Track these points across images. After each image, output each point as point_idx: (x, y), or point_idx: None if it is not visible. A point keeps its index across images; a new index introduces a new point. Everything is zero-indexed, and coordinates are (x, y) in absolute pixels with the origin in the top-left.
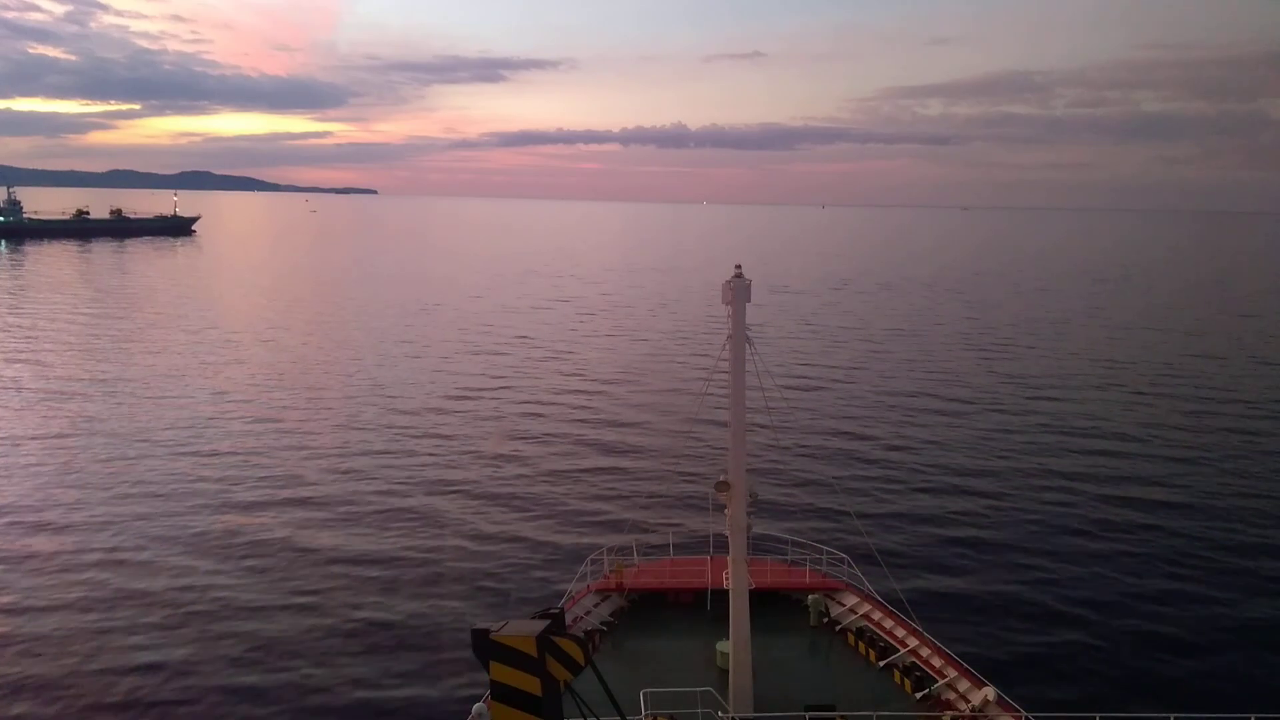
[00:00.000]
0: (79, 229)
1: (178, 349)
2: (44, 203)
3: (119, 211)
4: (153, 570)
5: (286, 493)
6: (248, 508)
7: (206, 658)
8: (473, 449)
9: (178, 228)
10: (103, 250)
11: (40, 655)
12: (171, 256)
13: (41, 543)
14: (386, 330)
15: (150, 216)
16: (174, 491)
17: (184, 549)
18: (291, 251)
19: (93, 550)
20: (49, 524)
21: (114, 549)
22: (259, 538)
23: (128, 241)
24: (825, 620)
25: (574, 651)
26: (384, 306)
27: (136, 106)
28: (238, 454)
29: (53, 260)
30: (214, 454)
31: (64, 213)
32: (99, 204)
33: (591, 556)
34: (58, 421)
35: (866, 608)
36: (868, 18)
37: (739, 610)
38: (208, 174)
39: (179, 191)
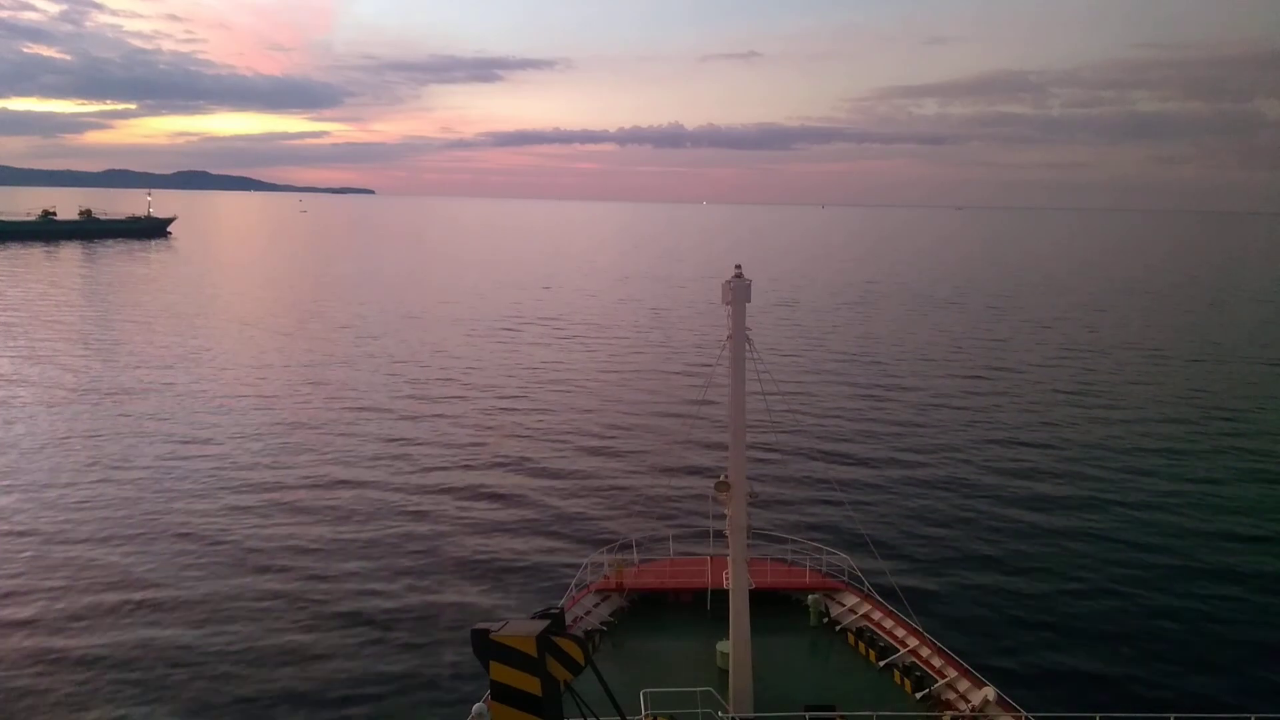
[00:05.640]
0: (45, 231)
1: (120, 363)
2: (40, 203)
3: (88, 212)
4: (148, 571)
5: (283, 493)
6: (242, 511)
7: (203, 657)
8: (471, 449)
9: (151, 229)
10: (69, 254)
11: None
12: (137, 261)
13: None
14: (381, 330)
15: (122, 218)
16: (162, 493)
17: (177, 552)
18: (272, 254)
19: (69, 554)
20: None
21: (95, 548)
22: (255, 540)
23: (97, 244)
24: (825, 620)
25: (574, 651)
26: (381, 307)
27: (132, 106)
28: (230, 460)
29: (6, 266)
30: (201, 462)
31: (29, 214)
32: (96, 204)
33: (591, 556)
34: None
35: (866, 608)
36: (864, 18)
37: (739, 610)
38: (204, 174)
39: (153, 192)
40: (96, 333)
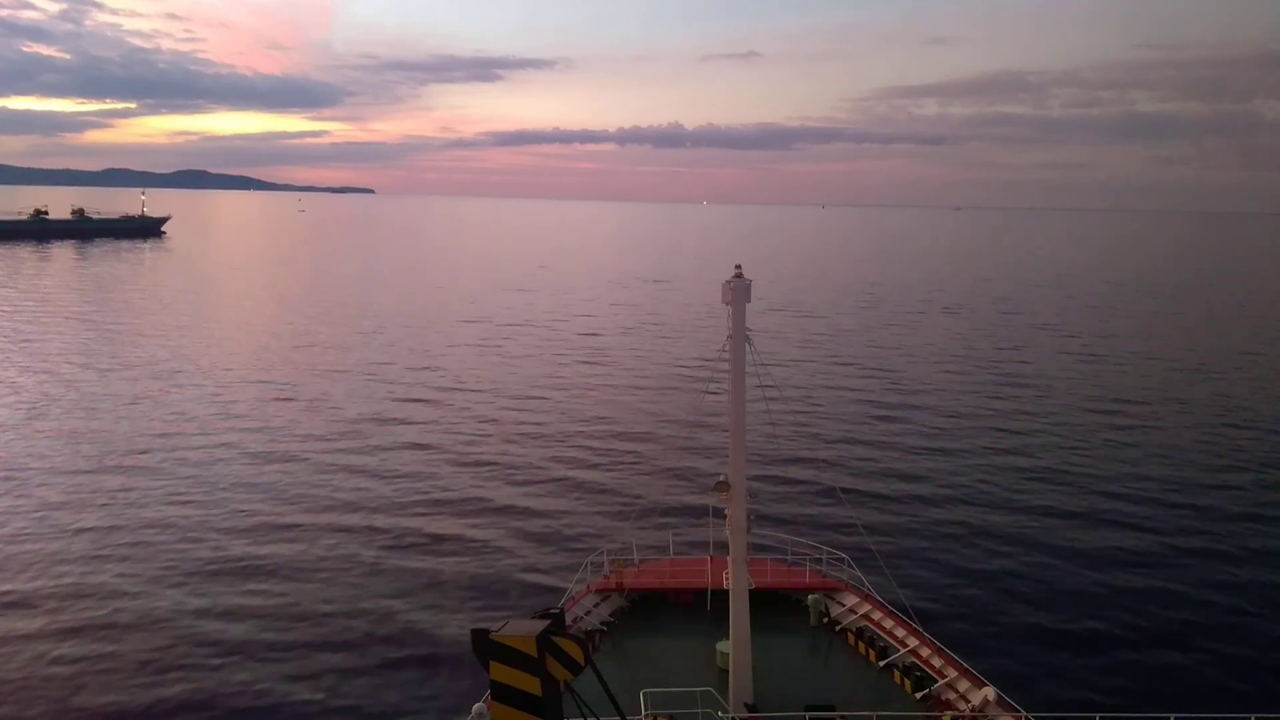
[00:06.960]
0: (37, 230)
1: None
2: (38, 202)
3: (81, 211)
4: (148, 572)
5: (282, 491)
6: (240, 510)
7: (205, 655)
8: (470, 449)
9: (145, 229)
10: (59, 254)
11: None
12: (125, 262)
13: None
14: (377, 331)
15: (115, 217)
16: (161, 502)
17: (176, 556)
18: (267, 254)
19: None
20: None
21: (101, 559)
22: (254, 541)
23: (89, 244)
24: (825, 620)
25: (574, 651)
26: (380, 306)
27: (132, 105)
28: (229, 460)
29: None
30: (200, 463)
31: (20, 213)
32: (94, 203)
33: (591, 556)
34: None
35: (866, 608)
36: (864, 18)
37: (739, 610)
38: (204, 173)
39: (150, 191)
40: (69, 336)
